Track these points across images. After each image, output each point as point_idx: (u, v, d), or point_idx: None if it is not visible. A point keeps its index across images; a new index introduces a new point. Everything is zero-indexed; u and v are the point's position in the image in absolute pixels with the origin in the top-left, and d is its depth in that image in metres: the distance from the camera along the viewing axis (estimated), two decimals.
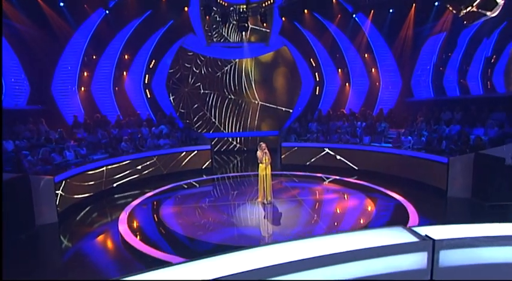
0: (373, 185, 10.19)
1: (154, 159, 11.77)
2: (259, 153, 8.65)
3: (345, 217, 8.01)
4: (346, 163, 12.27)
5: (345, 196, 9.68)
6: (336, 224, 7.54)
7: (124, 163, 10.91)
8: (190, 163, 12.62)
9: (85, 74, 14.04)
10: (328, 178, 11.29)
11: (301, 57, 16.33)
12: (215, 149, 16.43)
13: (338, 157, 12.36)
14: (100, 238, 7.22)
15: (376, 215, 7.88)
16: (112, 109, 14.51)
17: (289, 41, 16.12)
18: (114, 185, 10.53)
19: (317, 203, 9.10)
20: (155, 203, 9.25)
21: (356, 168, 12.10)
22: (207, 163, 12.97)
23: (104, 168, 10.21)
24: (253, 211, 8.44)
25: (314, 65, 16.38)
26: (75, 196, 8.97)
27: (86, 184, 9.45)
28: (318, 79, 16.48)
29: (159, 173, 11.86)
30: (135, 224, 7.67)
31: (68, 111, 13.51)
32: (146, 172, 11.56)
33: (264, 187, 8.70)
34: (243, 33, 15.08)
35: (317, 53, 16.19)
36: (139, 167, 11.35)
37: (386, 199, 9.09)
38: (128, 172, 11.00)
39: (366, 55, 15.89)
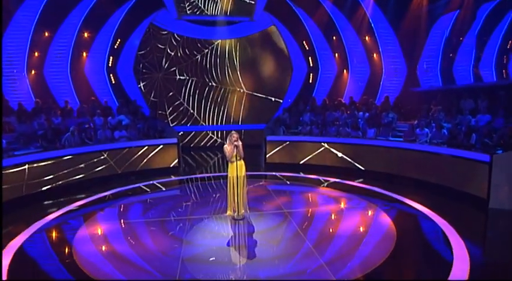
0: (384, 191, 7.27)
1: (105, 155, 8.77)
2: (227, 147, 5.71)
3: (351, 241, 5.03)
4: (349, 162, 9.29)
5: (349, 206, 6.74)
6: (335, 255, 4.57)
7: (58, 160, 7.89)
8: (153, 160, 9.60)
9: (36, 54, 11.07)
10: (326, 181, 8.35)
11: (292, 39, 13.30)
12: (192, 145, 13.46)
13: (340, 155, 9.35)
14: None
15: (398, 236, 4.94)
16: (69, 96, 11.50)
17: (278, 20, 13.07)
18: (43, 188, 7.54)
19: (309, 218, 6.12)
20: (81, 217, 6.23)
21: (362, 168, 9.10)
22: (175, 161, 9.97)
23: (26, 166, 7.21)
24: (215, 232, 5.48)
25: (307, 48, 13.37)
26: None
27: None
28: (311, 65, 13.49)
29: (111, 172, 8.85)
30: (29, 256, 4.69)
31: (15, 98, 10.58)
32: (93, 171, 8.54)
33: (234, 196, 5.76)
34: None
35: (310, 35, 13.17)
36: (82, 165, 8.34)
37: (406, 211, 6.18)
38: (65, 171, 7.99)
39: (367, 38, 12.96)
